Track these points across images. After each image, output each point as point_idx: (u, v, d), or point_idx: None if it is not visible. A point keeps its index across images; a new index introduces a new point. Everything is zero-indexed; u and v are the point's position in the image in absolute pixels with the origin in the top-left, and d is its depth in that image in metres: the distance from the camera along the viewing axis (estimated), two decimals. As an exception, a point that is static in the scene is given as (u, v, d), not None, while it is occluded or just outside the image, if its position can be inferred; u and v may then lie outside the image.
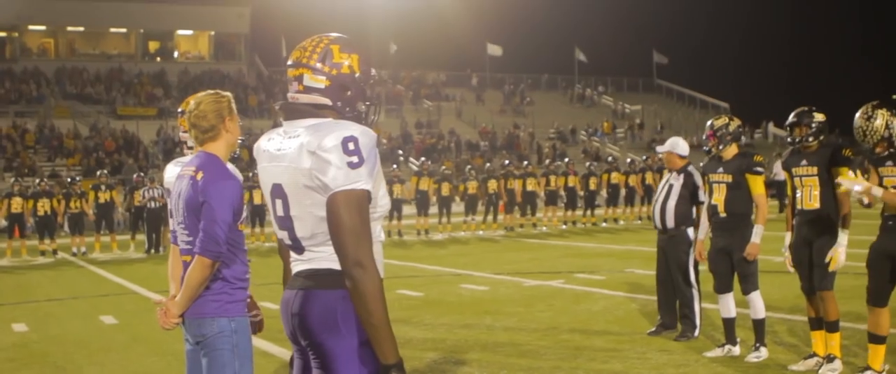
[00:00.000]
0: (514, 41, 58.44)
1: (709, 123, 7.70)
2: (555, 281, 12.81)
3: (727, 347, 7.50)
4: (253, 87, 51.11)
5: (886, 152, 6.30)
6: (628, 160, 29.99)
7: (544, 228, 24.22)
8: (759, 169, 7.44)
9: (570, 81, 57.56)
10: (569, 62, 57.05)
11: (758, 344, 7.34)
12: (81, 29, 52.07)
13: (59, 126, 41.01)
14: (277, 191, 3.03)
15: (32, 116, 42.23)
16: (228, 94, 4.18)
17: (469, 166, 26.94)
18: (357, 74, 3.10)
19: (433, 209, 23.73)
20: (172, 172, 4.53)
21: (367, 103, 3.16)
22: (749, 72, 77.70)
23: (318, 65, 3.05)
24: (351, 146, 2.87)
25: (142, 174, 23.79)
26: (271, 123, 46.19)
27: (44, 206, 20.16)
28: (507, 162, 26.14)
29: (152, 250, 19.94)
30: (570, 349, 7.87)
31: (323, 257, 2.99)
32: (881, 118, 6.28)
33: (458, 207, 24.51)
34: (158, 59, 52.80)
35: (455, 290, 12.33)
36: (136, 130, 41.13)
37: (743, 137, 8.14)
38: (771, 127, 55.77)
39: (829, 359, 6.68)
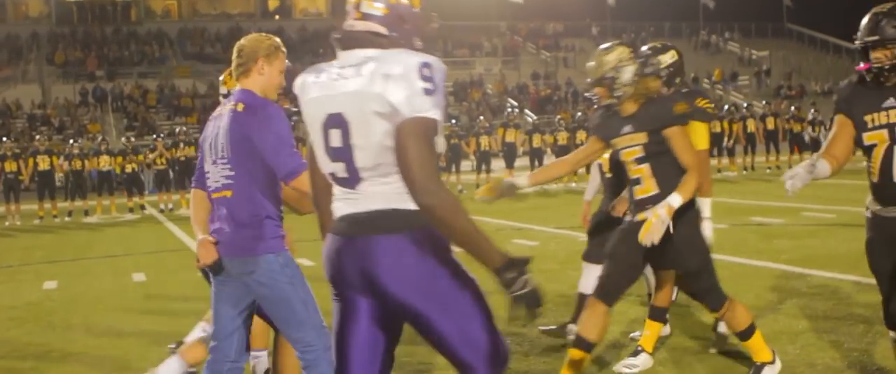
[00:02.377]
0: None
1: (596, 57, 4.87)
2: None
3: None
4: (368, 42, 51.28)
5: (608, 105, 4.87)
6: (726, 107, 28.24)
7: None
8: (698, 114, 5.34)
9: (695, 27, 55.62)
10: (694, 8, 55.12)
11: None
12: (203, -10, 53.11)
13: (179, 86, 42.01)
14: (334, 120, 2.88)
15: (155, 77, 43.36)
16: (277, 39, 4.22)
17: (559, 117, 26.37)
18: (415, 9, 3.02)
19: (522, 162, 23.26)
20: None
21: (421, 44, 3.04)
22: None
23: None
24: (426, 72, 2.78)
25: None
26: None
27: (130, 163, 20.71)
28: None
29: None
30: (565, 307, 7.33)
31: (381, 193, 2.86)
32: (616, 54, 4.78)
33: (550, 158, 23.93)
34: (277, 17, 53.37)
35: (503, 245, 11.82)
36: (253, 87, 41.76)
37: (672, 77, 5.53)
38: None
39: None
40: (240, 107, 3.98)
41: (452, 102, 43.13)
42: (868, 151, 4.20)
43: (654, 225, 4.52)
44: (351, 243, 2.89)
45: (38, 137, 23.50)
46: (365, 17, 2.97)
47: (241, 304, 4.13)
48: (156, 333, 7.14)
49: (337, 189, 2.97)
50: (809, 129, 26.10)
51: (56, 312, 8.62)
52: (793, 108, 28.40)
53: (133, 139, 24.23)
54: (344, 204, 2.95)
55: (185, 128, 25.89)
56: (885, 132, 4.13)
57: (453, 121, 25.68)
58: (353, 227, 2.90)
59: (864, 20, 4.21)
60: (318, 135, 2.95)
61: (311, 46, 48.70)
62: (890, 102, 4.11)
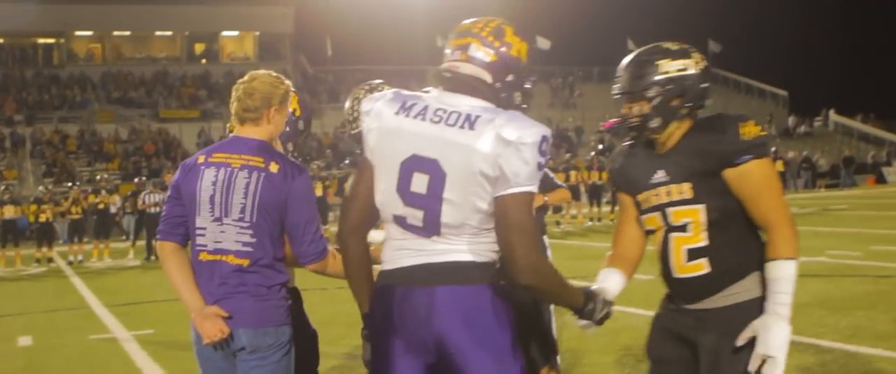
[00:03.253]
0: (563, 34, 57.16)
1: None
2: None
3: None
4: (297, 87, 50.77)
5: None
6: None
7: (567, 226, 23.17)
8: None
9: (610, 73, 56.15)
10: (622, 53, 55.67)
11: None
12: (127, 33, 52.27)
13: (100, 131, 41.02)
14: (424, 165, 2.69)
15: (76, 122, 42.32)
16: (289, 83, 3.74)
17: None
18: (522, 63, 2.88)
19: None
20: None
21: (523, 98, 2.90)
22: (807, 58, 75.38)
23: (490, 38, 2.83)
24: (545, 146, 2.65)
25: (143, 178, 23.36)
26: (315, 123, 45.87)
27: (44, 212, 19.94)
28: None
29: (153, 257, 19.40)
30: None
31: (461, 249, 2.70)
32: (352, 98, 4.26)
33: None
34: (203, 61, 52.75)
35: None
36: (179, 132, 41.00)
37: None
38: (832, 115, 53.69)
39: None
40: (274, 168, 3.49)
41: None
42: (650, 234, 3.34)
43: None
44: (423, 292, 2.70)
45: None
46: (470, 60, 2.82)
47: None
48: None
49: (398, 233, 2.78)
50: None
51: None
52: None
53: (50, 186, 23.41)
54: (408, 253, 2.75)
55: (106, 175, 25.04)
56: (657, 216, 3.23)
57: (347, 161, 25.10)
58: (431, 276, 2.70)
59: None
60: (391, 172, 2.74)
61: (238, 90, 48.10)
62: (660, 176, 3.20)
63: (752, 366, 2.94)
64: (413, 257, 2.73)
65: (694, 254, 3.11)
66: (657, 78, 3.14)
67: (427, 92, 2.84)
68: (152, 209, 19.38)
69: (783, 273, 2.97)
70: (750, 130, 3.03)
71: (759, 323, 2.97)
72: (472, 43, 2.82)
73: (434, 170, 2.67)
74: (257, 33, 53.78)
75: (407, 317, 2.70)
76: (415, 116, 2.73)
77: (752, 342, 3.01)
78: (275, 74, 3.72)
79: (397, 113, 2.75)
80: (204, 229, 3.53)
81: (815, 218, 21.45)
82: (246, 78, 3.69)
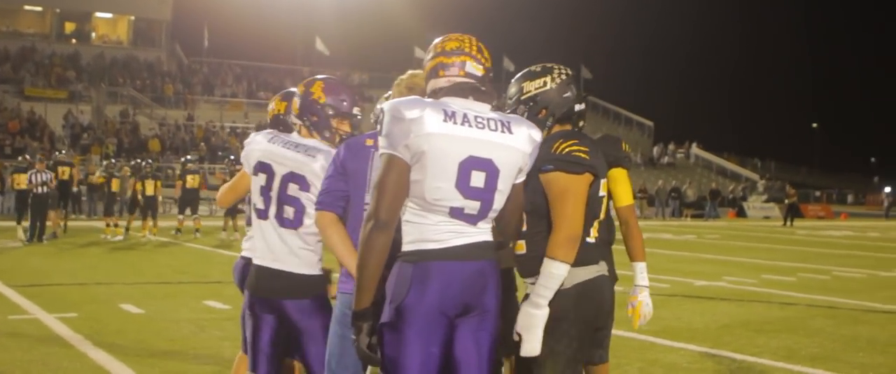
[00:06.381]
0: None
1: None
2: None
3: None
4: (171, 76, 49.62)
5: None
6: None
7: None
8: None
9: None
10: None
11: None
12: (-6, 4, 50.11)
13: (-39, 104, 39.17)
14: (481, 164, 3.21)
15: (-65, 93, 40.33)
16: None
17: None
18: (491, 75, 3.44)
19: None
20: (262, 143, 4.17)
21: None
22: (674, 92, 78.24)
23: (478, 55, 3.40)
24: None
25: (27, 156, 22.45)
26: (187, 114, 44.90)
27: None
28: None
29: (35, 239, 18.63)
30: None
31: (488, 230, 3.31)
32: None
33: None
34: (74, 41, 50.97)
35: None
36: (44, 112, 39.46)
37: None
38: (695, 148, 55.83)
39: None
40: None
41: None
42: None
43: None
44: (476, 265, 3.23)
45: None
46: (467, 75, 3.37)
47: None
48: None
49: (446, 221, 3.20)
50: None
51: None
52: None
53: None
54: (460, 236, 3.22)
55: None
56: None
57: (231, 157, 24.71)
58: (479, 252, 3.24)
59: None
60: (450, 171, 3.17)
61: (109, 75, 46.68)
62: None
63: (515, 339, 3.54)
64: (461, 237, 3.21)
65: (520, 235, 3.71)
66: (523, 97, 3.85)
67: (437, 100, 3.28)
68: (39, 189, 18.58)
69: (551, 270, 3.49)
70: (561, 147, 3.61)
71: (523, 306, 3.56)
72: (467, 61, 3.37)
73: (490, 168, 3.23)
74: (132, 18, 52.36)
75: (461, 285, 3.18)
76: (461, 124, 3.19)
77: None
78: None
79: (444, 121, 3.17)
80: (354, 204, 3.77)
81: (696, 245, 22.30)
82: (407, 76, 3.96)
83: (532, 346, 3.47)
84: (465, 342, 3.24)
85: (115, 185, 22.65)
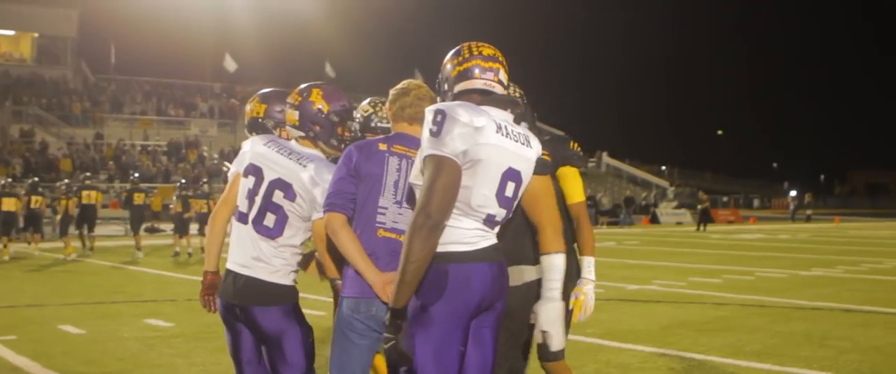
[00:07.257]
0: (348, 60, 57.52)
1: None
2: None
3: None
4: (78, 93, 48.56)
5: None
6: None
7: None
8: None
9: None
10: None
11: None
12: None
13: None
14: (513, 175, 3.41)
15: None
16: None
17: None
18: None
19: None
20: (258, 146, 4.18)
21: None
22: (583, 101, 79.35)
23: (505, 65, 3.56)
24: None
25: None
26: (94, 133, 43.95)
27: None
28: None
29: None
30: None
31: (495, 233, 3.45)
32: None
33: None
34: (-25, 59, 49.58)
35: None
36: (-55, 132, 38.27)
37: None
38: (605, 157, 56.70)
39: None
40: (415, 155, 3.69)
41: (166, 162, 41.52)
42: None
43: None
44: (497, 265, 3.40)
45: None
46: (500, 83, 3.54)
47: None
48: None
49: (473, 225, 3.34)
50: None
51: None
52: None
53: None
54: (483, 239, 3.37)
55: None
56: None
57: (183, 181, 24.50)
58: (496, 254, 3.42)
59: None
60: (494, 180, 3.35)
61: (13, 93, 45.50)
62: None
63: (539, 339, 3.64)
64: (484, 240, 3.37)
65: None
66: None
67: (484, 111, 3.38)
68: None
69: (556, 263, 3.63)
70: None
71: (538, 306, 3.63)
72: (501, 70, 3.53)
73: (518, 179, 3.43)
74: (36, 35, 51.06)
75: (491, 284, 3.34)
76: (506, 136, 3.37)
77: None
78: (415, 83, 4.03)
79: (497, 132, 3.33)
80: (385, 208, 3.80)
81: (618, 252, 22.68)
82: (414, 86, 3.96)
83: (560, 339, 3.63)
84: (475, 338, 3.39)
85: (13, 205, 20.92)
